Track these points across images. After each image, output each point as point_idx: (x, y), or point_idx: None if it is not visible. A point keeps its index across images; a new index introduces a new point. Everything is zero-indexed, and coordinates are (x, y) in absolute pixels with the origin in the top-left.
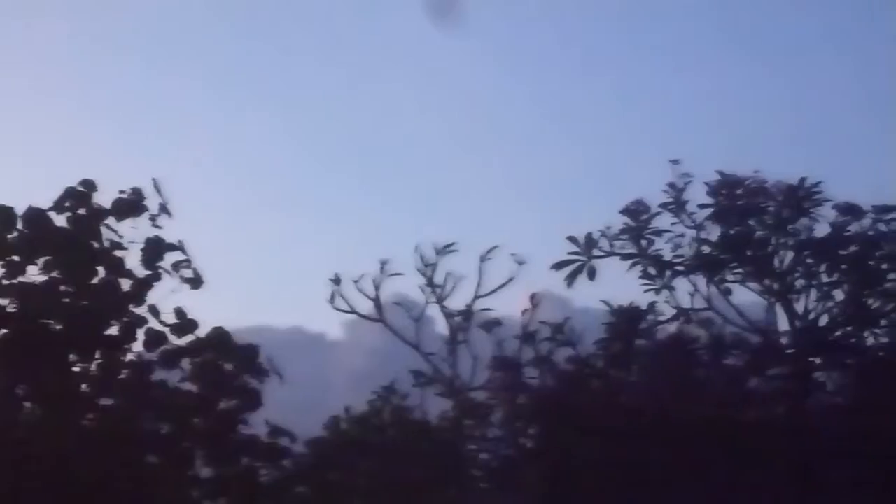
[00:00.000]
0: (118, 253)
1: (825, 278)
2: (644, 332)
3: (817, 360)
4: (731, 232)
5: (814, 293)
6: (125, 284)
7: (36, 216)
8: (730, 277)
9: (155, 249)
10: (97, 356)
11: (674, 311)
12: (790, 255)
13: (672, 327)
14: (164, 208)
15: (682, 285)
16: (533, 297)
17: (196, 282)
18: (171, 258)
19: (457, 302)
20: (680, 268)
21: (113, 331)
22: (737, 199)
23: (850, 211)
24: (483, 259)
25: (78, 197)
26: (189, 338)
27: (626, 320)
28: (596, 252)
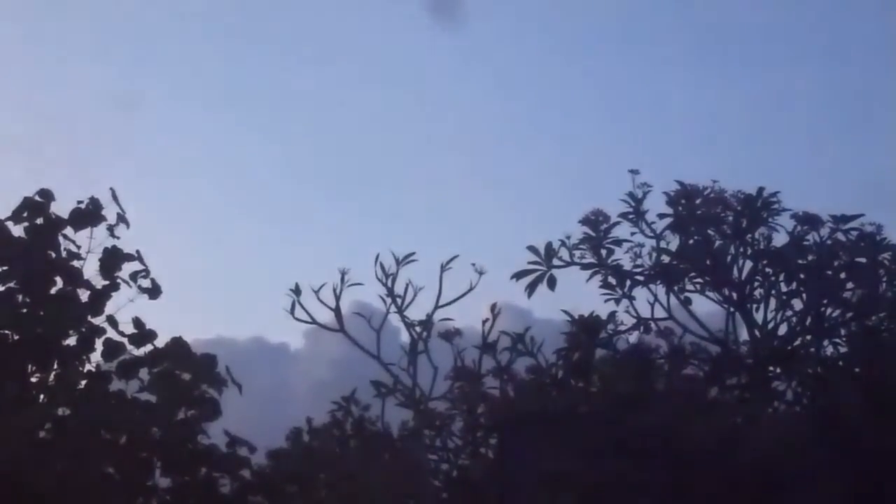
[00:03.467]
0: (76, 263)
1: (784, 287)
2: (604, 341)
3: (777, 370)
4: (690, 242)
5: (773, 302)
6: (83, 295)
7: None
8: (689, 287)
9: (112, 259)
10: (55, 366)
11: (634, 321)
12: (749, 264)
13: (632, 337)
14: (121, 218)
15: (642, 295)
16: (493, 307)
17: (154, 292)
18: (128, 268)
19: (417, 312)
20: (640, 277)
21: (71, 341)
22: (695, 209)
23: (808, 220)
24: (443, 268)
25: (35, 207)
26: (147, 348)
27: (586, 330)
28: (556, 262)
